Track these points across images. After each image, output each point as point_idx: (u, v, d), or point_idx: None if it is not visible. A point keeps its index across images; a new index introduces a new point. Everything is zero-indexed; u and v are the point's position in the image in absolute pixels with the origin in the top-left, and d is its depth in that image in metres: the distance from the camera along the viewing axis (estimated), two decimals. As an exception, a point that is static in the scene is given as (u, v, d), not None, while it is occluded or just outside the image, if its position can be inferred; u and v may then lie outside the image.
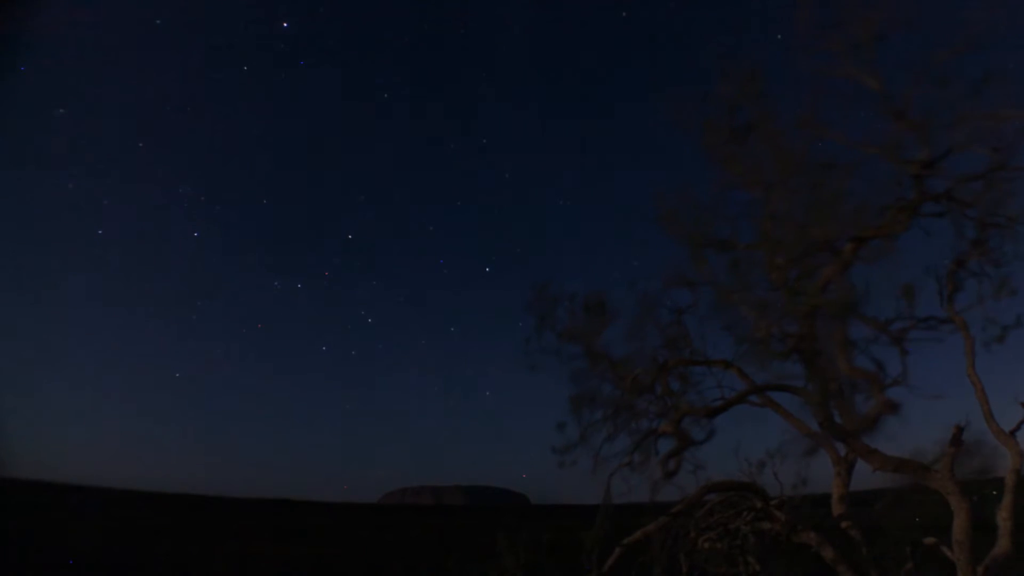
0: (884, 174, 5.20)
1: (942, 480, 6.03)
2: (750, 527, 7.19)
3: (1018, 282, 6.21)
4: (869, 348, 6.45)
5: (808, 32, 5.27)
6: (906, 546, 7.17)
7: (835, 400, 5.23)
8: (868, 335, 6.02)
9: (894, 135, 5.02)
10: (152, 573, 21.77)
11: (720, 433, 6.41)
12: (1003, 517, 6.15)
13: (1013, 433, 6.40)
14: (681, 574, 7.15)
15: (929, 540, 6.89)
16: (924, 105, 5.11)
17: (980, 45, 4.98)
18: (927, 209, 5.60)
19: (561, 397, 6.57)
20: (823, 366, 4.94)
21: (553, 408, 6.62)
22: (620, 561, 6.14)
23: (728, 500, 7.30)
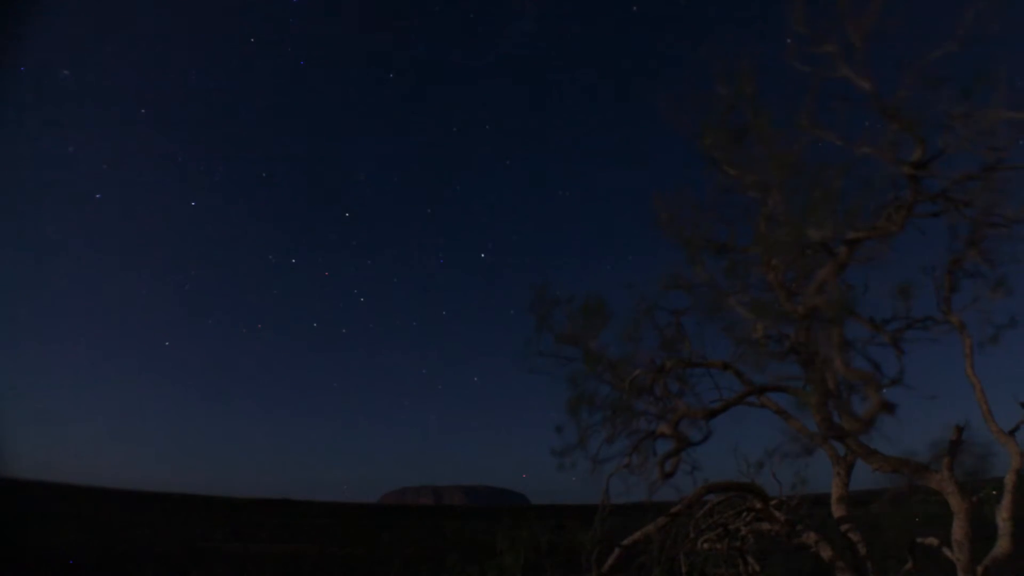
0: (880, 174, 5.21)
1: (942, 480, 6.04)
2: (749, 528, 7.20)
3: (1015, 282, 6.24)
4: (866, 349, 6.49)
5: (802, 33, 5.28)
6: (905, 546, 7.18)
7: (834, 401, 5.23)
8: (865, 336, 6.03)
9: (888, 135, 5.03)
10: (152, 573, 21.78)
11: (719, 433, 6.42)
12: (1003, 517, 6.15)
13: (1013, 433, 6.40)
14: (680, 575, 7.16)
15: (930, 540, 6.90)
16: (917, 105, 5.12)
17: (973, 43, 4.99)
18: (923, 209, 5.61)
19: (561, 396, 6.56)
20: (820, 367, 4.94)
21: (553, 407, 6.60)
22: (620, 561, 6.14)
23: (728, 501, 7.31)
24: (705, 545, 7.28)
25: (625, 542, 6.13)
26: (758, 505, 6.92)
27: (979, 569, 5.93)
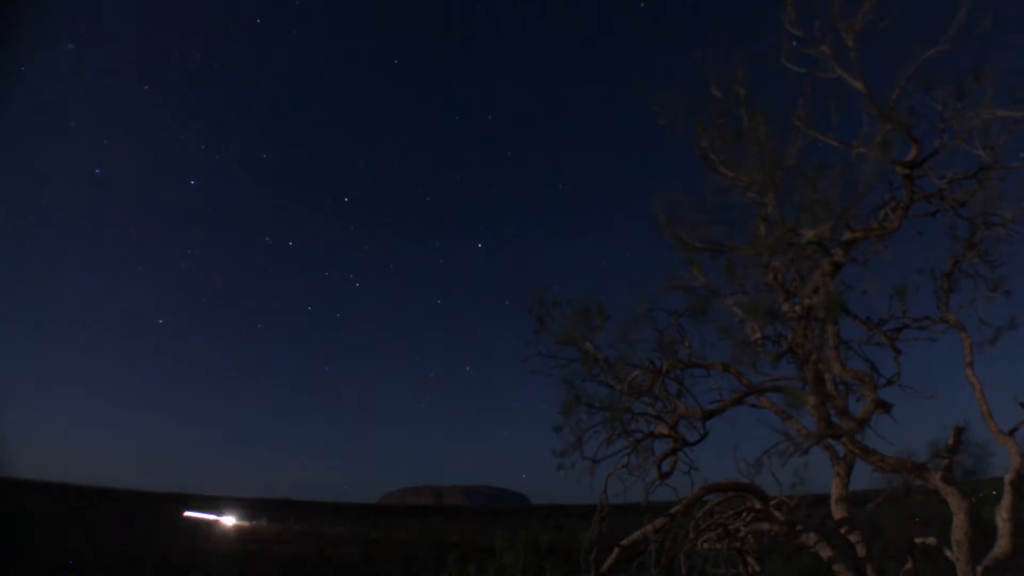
0: (875, 174, 5.21)
1: (940, 480, 6.03)
2: (749, 528, 7.18)
3: (1012, 283, 6.24)
4: (863, 348, 6.49)
5: (796, 34, 5.28)
6: (905, 546, 7.16)
7: (832, 401, 5.22)
8: (862, 335, 6.04)
9: (882, 135, 5.02)
10: (152, 573, 21.78)
11: (718, 434, 6.41)
12: (1003, 518, 6.13)
13: (1012, 433, 6.39)
14: (680, 575, 7.14)
15: (930, 540, 6.88)
16: (910, 105, 5.13)
17: (966, 43, 4.98)
18: (919, 208, 5.61)
19: (561, 396, 6.55)
20: (817, 367, 4.93)
21: (553, 406, 6.60)
22: (619, 562, 6.13)
23: (727, 501, 7.29)
24: (705, 545, 7.25)
25: (624, 542, 6.12)
26: (758, 505, 6.91)
27: (979, 569, 5.91)
